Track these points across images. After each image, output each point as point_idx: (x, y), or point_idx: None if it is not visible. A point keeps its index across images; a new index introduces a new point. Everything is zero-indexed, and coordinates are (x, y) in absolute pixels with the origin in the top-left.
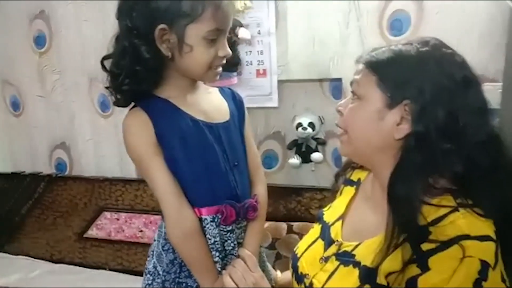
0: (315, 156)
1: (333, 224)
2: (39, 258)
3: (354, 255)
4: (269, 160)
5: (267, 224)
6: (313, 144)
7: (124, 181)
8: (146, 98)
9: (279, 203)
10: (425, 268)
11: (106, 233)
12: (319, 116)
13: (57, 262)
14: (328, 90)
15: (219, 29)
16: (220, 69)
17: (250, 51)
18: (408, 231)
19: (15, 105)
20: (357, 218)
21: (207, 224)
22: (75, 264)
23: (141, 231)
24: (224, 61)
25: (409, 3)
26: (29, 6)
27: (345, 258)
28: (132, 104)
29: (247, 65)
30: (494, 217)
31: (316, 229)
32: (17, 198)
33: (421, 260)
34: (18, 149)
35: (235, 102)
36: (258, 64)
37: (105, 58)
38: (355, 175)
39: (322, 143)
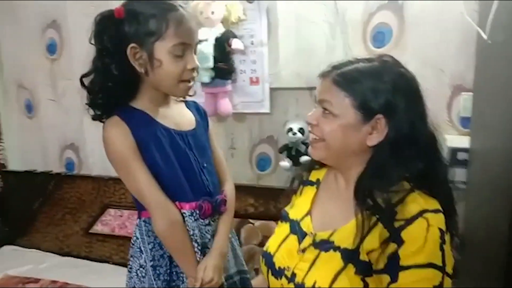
0: (304, 159)
1: (302, 219)
2: (48, 251)
3: (332, 241)
4: (263, 162)
5: (258, 223)
6: (302, 148)
7: None
8: (124, 109)
9: (269, 203)
10: (400, 242)
11: (110, 229)
12: None
13: (64, 255)
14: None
15: (184, 43)
16: (192, 83)
17: (244, 60)
18: (379, 214)
19: (29, 108)
20: (324, 211)
21: (186, 217)
22: (81, 258)
23: None
24: (195, 75)
25: (391, 16)
26: (42, 16)
27: (324, 245)
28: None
29: (241, 73)
30: (438, 197)
31: (283, 227)
32: (29, 195)
33: (395, 236)
34: (31, 149)
35: (199, 113)
36: (252, 73)
37: (83, 76)
38: (313, 176)
39: None
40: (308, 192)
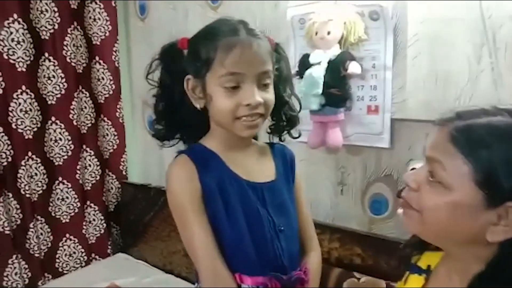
0: None
1: None
2: (154, 265)
3: None
4: (377, 205)
5: (364, 278)
6: None
7: None
8: (194, 147)
9: (380, 257)
10: None
11: None
12: None
13: (167, 272)
14: None
15: (235, 73)
16: (258, 121)
17: (363, 86)
18: None
19: (151, 124)
20: None
21: None
22: (182, 278)
23: None
24: (259, 110)
25: None
26: (169, 40)
27: None
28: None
29: (358, 100)
30: None
31: None
32: (143, 208)
33: None
34: (151, 164)
35: (285, 159)
36: (370, 100)
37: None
38: (424, 261)
39: None
40: (414, 283)
